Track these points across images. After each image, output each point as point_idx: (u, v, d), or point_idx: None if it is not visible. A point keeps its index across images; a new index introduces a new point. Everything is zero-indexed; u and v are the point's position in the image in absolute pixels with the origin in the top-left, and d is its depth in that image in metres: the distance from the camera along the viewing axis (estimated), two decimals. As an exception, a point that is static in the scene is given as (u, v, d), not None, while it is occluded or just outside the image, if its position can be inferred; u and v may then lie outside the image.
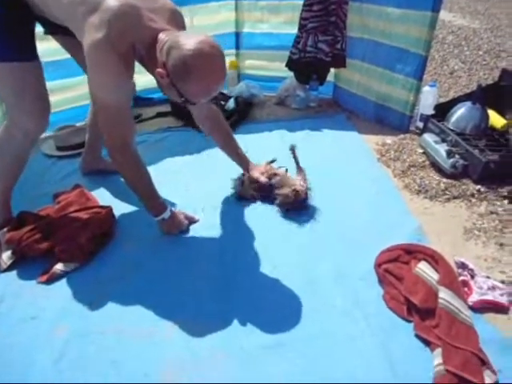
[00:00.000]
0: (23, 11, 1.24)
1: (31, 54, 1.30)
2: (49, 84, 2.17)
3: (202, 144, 2.03)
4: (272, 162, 1.70)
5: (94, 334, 1.09)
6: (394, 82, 2.16)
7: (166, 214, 1.41)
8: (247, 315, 1.14)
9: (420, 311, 1.11)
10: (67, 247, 1.31)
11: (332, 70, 2.49)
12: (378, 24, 2.15)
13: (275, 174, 1.61)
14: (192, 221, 1.52)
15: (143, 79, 2.04)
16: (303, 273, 1.29)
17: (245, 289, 1.24)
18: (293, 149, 1.66)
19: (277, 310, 1.16)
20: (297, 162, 1.65)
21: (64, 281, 1.27)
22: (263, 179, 1.60)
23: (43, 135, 2.23)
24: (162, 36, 1.16)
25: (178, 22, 1.27)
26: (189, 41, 1.09)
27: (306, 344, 1.06)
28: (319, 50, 2.37)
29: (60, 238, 1.34)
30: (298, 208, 1.55)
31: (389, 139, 2.10)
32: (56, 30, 1.36)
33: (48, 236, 1.34)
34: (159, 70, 1.14)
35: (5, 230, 1.39)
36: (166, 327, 1.12)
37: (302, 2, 2.32)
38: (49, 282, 1.26)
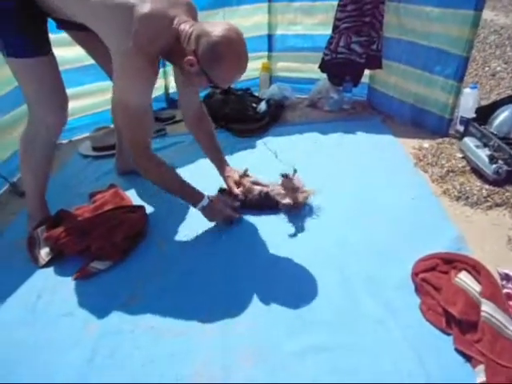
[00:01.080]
0: (36, 7, 1.26)
1: (46, 49, 1.32)
2: (88, 86, 2.27)
3: (235, 146, 2.04)
4: (245, 172, 1.61)
5: (126, 333, 1.10)
6: (432, 84, 2.08)
7: (205, 202, 1.42)
8: (283, 320, 1.12)
9: (460, 324, 1.06)
10: (102, 245, 1.34)
11: (367, 71, 2.43)
12: (416, 24, 2.08)
13: (254, 186, 1.55)
14: (234, 207, 1.51)
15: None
16: (334, 278, 1.25)
17: (279, 292, 1.21)
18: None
19: (310, 315, 1.13)
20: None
21: (98, 278, 1.30)
22: (236, 191, 1.54)
23: (81, 136, 2.33)
24: (184, 27, 1.19)
25: (193, 14, 1.30)
26: (216, 28, 1.15)
27: (339, 352, 1.03)
28: (352, 51, 2.32)
29: (95, 236, 1.37)
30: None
31: (426, 143, 2.02)
32: (68, 25, 1.39)
33: (84, 234, 1.37)
34: (190, 57, 1.18)
35: (43, 227, 1.44)
36: (198, 327, 1.11)
37: (336, 3, 2.28)
38: (84, 278, 1.29)
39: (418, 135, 2.11)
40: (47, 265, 1.36)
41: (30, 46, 1.26)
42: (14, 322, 1.16)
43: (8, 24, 1.22)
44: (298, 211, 1.54)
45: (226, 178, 1.59)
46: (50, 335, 1.11)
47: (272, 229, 1.49)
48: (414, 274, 1.22)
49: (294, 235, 1.45)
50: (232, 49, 1.16)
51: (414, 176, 1.77)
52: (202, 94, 2.50)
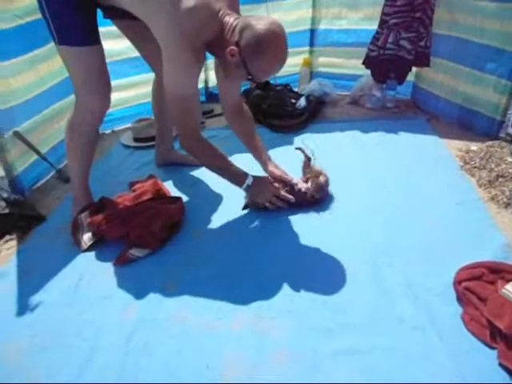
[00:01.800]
0: None
1: (95, 39, 1.37)
2: (133, 78, 2.33)
3: (271, 141, 2.02)
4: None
5: (160, 321, 1.13)
6: (483, 83, 1.97)
7: (249, 180, 1.45)
8: (317, 320, 1.10)
9: (506, 338, 1.00)
10: (141, 234, 1.37)
11: (413, 69, 2.34)
12: (468, 20, 1.98)
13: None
14: (276, 194, 1.50)
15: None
16: (371, 280, 1.22)
17: (315, 289, 1.20)
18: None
19: (344, 317, 1.11)
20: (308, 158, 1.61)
21: (136, 265, 1.33)
22: (285, 177, 1.55)
23: (123, 126, 2.40)
24: (228, 19, 1.21)
25: (236, 7, 1.31)
26: (261, 21, 1.17)
27: (373, 356, 1.00)
28: (401, 47, 2.24)
29: (134, 224, 1.40)
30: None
31: (474, 145, 1.92)
32: (114, 14, 1.43)
33: (124, 222, 1.41)
34: (232, 47, 1.19)
35: (87, 212, 1.49)
36: (231, 320, 1.11)
37: (383, -3, 2.21)
38: (123, 264, 1.33)
39: (465, 137, 2.01)
40: (89, 249, 1.41)
41: (81, 35, 1.31)
42: (57, 302, 1.21)
43: (61, 14, 1.27)
44: (322, 201, 1.55)
45: (269, 174, 1.59)
46: (90, 316, 1.16)
47: (308, 225, 1.47)
48: (457, 282, 1.16)
49: (332, 235, 1.42)
50: (275, 42, 1.18)
51: (459, 180, 1.69)
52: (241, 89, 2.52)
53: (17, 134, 1.72)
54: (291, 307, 1.15)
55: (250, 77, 1.25)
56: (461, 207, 1.51)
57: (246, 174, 1.46)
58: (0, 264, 1.38)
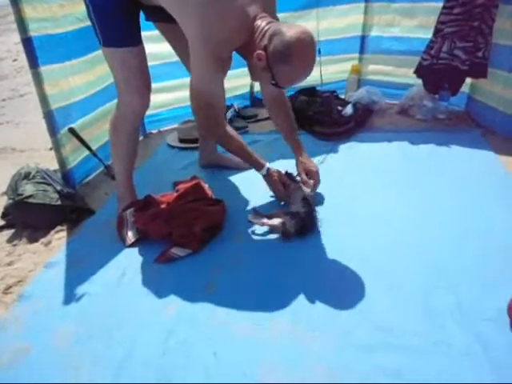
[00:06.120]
0: (132, 1, 1.35)
1: (137, 40, 1.41)
2: (180, 80, 2.39)
3: (314, 148, 2.00)
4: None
5: (199, 322, 1.13)
6: (547, 97, 1.85)
7: (264, 171, 1.55)
8: (362, 334, 1.06)
9: None
10: (183, 234, 1.39)
11: (468, 79, 2.23)
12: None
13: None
14: (285, 183, 1.57)
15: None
16: (418, 300, 1.16)
17: (358, 305, 1.16)
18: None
19: (388, 337, 1.06)
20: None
21: (177, 264, 1.35)
22: (305, 178, 1.60)
23: (169, 127, 2.46)
24: (260, 23, 1.22)
25: (272, 7, 1.32)
26: (291, 29, 1.18)
27: (419, 379, 0.94)
28: (455, 57, 2.15)
29: (177, 224, 1.42)
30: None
31: (533, 163, 1.80)
32: (156, 17, 1.50)
33: (167, 221, 1.44)
34: (260, 51, 1.21)
35: (132, 209, 1.53)
36: (270, 328, 1.10)
37: (440, 5, 2.13)
38: (164, 262, 1.35)
39: (524, 154, 1.89)
40: (133, 245, 1.45)
41: (123, 37, 1.37)
42: (101, 294, 1.25)
43: (105, 18, 1.34)
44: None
45: (299, 164, 1.64)
46: (132, 311, 1.18)
47: (351, 239, 1.43)
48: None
49: (377, 250, 1.37)
50: (302, 52, 1.19)
51: (517, 199, 1.59)
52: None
53: (71, 131, 1.81)
54: (332, 320, 1.11)
55: (273, 82, 1.26)
56: (519, 228, 1.42)
57: (262, 164, 1.54)
58: (51, 253, 1.45)
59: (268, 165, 1.57)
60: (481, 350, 1.00)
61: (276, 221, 1.43)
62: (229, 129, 1.50)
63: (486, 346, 1.01)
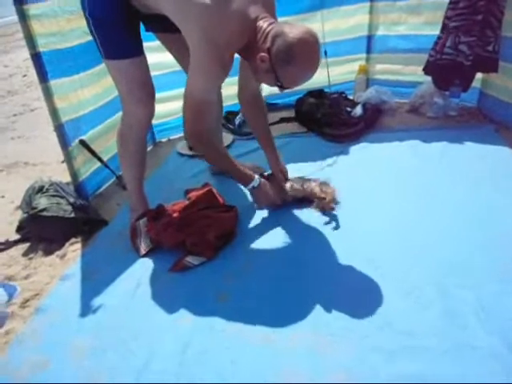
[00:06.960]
0: (131, 12, 1.34)
1: (139, 51, 1.41)
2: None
3: (325, 150, 1.98)
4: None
5: (216, 331, 1.12)
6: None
7: (255, 183, 1.49)
8: (382, 338, 1.04)
9: None
10: (196, 242, 1.39)
11: (479, 74, 2.20)
12: (545, 21, 1.83)
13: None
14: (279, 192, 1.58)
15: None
16: (441, 302, 1.13)
17: (376, 309, 1.13)
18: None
19: (411, 340, 1.04)
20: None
21: (191, 273, 1.34)
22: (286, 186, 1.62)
23: (179, 135, 2.46)
24: (262, 24, 1.21)
25: (272, 9, 1.30)
26: (294, 30, 1.17)
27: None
28: (459, 51, 2.11)
29: (190, 232, 1.42)
30: None
31: (550, 158, 1.75)
32: (155, 28, 1.50)
33: (180, 230, 1.43)
34: (263, 54, 1.20)
35: (144, 219, 1.53)
36: (288, 335, 1.08)
37: (447, 0, 2.10)
38: (179, 271, 1.35)
39: (539, 148, 1.85)
40: (147, 255, 1.44)
41: (126, 49, 1.37)
42: (116, 306, 1.24)
43: (107, 30, 1.34)
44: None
45: (274, 168, 1.66)
46: (147, 322, 1.18)
47: (365, 242, 1.41)
48: (538, 309, 1.05)
49: (393, 251, 1.34)
50: (306, 52, 1.18)
51: (534, 194, 1.55)
52: (294, 97, 2.49)
53: (82, 143, 1.82)
54: (350, 327, 1.09)
55: (278, 83, 1.26)
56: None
57: (251, 177, 1.49)
58: (66, 266, 1.45)
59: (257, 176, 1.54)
60: (508, 352, 0.98)
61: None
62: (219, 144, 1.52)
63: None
